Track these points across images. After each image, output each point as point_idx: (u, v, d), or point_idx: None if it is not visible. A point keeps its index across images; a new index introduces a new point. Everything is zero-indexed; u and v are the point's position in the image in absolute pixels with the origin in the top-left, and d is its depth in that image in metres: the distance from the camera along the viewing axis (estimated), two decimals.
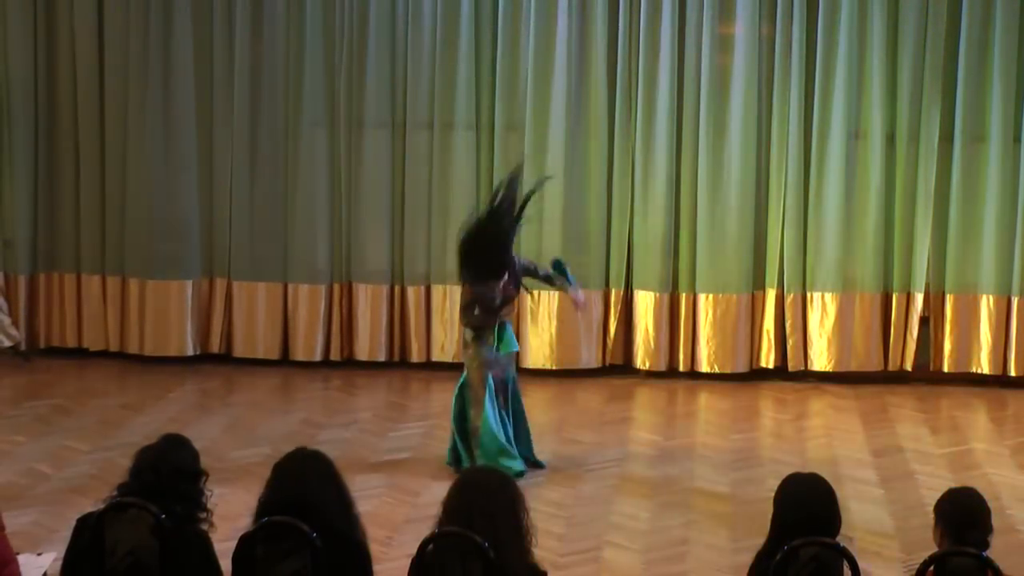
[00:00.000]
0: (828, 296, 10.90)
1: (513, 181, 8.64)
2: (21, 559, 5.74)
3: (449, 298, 11.07)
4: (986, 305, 10.81)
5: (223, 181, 11.17)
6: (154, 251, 11.17)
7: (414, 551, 5.02)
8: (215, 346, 11.28)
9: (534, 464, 8.81)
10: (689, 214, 10.97)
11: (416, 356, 11.17)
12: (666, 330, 11.01)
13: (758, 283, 11.02)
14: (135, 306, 11.23)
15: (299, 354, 11.19)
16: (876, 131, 10.76)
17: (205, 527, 5.37)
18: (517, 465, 8.49)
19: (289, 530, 5.04)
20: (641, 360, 11.05)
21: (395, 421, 9.95)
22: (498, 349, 8.61)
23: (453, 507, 4.96)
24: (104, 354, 11.33)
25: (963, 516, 5.13)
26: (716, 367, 10.98)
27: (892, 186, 10.86)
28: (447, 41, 10.90)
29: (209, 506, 5.39)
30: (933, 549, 5.11)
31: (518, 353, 9.40)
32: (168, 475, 5.24)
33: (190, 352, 11.23)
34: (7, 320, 11.19)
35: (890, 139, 10.82)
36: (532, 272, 8.92)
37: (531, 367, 10.86)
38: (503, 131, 10.99)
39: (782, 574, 4.96)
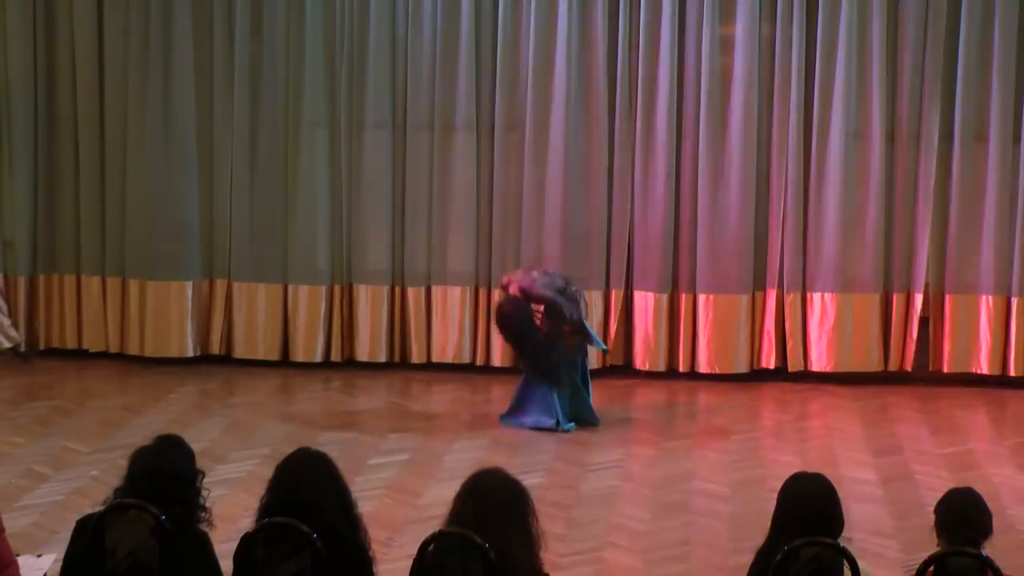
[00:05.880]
0: (828, 296, 10.90)
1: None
2: (21, 560, 5.73)
3: (449, 299, 11.07)
4: (985, 305, 10.82)
5: (223, 182, 11.17)
6: (154, 252, 11.17)
7: (415, 552, 5.02)
8: (215, 347, 11.29)
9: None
10: (689, 214, 10.97)
11: (416, 357, 11.17)
12: (666, 331, 11.02)
13: (758, 284, 11.02)
14: (135, 307, 11.23)
15: (299, 355, 11.19)
16: (876, 131, 10.76)
17: (205, 528, 5.36)
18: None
19: (290, 531, 5.04)
20: (641, 360, 11.05)
21: (395, 422, 9.95)
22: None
23: (461, 513, 4.95)
24: (104, 355, 11.34)
25: (955, 515, 5.14)
26: (716, 368, 10.98)
27: (892, 186, 10.86)
28: (447, 41, 10.91)
29: (208, 505, 5.38)
30: (933, 549, 5.11)
31: None
32: (164, 482, 5.22)
33: (190, 353, 11.23)
34: (7, 321, 11.19)
35: (890, 139, 10.83)
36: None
37: None
38: (503, 131, 11.00)
39: (782, 574, 4.96)
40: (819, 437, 9.87)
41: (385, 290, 11.17)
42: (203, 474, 5.41)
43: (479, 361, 11.09)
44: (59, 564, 5.51)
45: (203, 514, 5.36)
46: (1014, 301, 10.79)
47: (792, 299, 10.94)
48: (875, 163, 10.79)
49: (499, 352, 11.00)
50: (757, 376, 11.03)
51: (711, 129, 10.84)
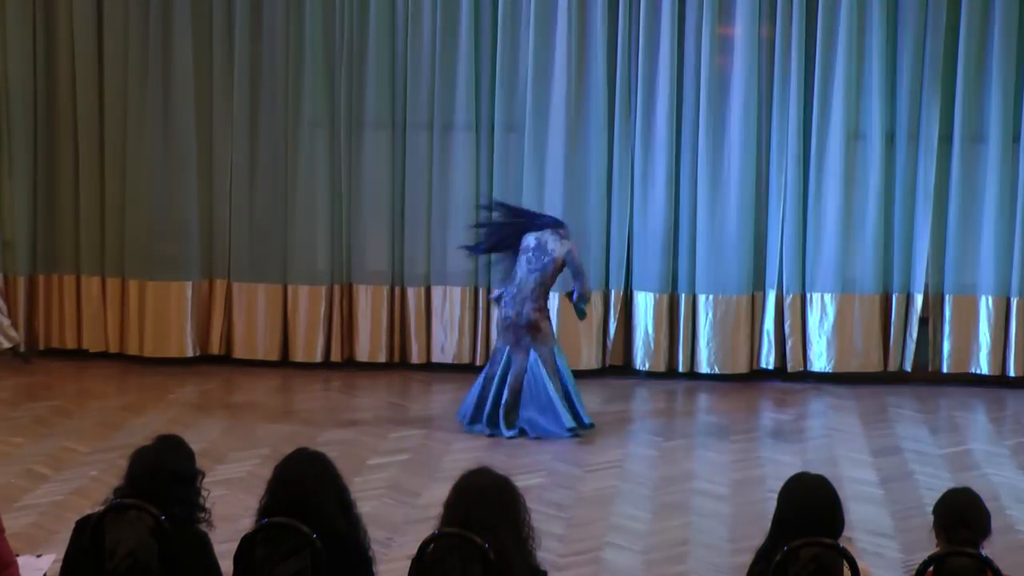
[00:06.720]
0: (827, 297, 10.91)
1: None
2: (21, 561, 5.73)
3: (449, 299, 11.08)
4: (985, 306, 10.82)
5: (223, 182, 11.17)
6: (154, 252, 11.17)
7: (414, 552, 5.02)
8: (215, 347, 11.28)
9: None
10: (689, 215, 10.97)
11: (416, 357, 11.18)
12: (666, 331, 11.02)
13: (757, 284, 11.02)
14: (135, 307, 11.23)
15: (299, 355, 11.20)
16: (875, 131, 10.77)
17: (205, 528, 5.37)
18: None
19: (290, 531, 5.04)
20: (641, 361, 11.05)
21: (395, 422, 9.95)
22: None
23: (452, 515, 4.95)
24: (104, 355, 11.33)
25: (954, 516, 5.13)
26: (716, 368, 10.98)
27: (891, 186, 10.87)
28: (447, 42, 10.91)
29: (207, 506, 5.39)
30: (933, 549, 5.11)
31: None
32: (164, 480, 5.23)
33: (190, 353, 11.23)
34: (6, 321, 11.19)
35: (889, 139, 10.83)
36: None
37: None
38: (503, 132, 11.00)
39: (782, 574, 4.96)
40: (819, 437, 9.87)
41: (385, 290, 11.17)
42: (203, 474, 5.41)
43: (479, 361, 11.08)
44: (59, 564, 5.51)
45: (203, 514, 5.36)
46: (1014, 301, 10.80)
47: (792, 299, 10.94)
48: (875, 164, 10.80)
49: None
50: (757, 376, 11.04)
51: (711, 129, 10.84)
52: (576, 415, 9.57)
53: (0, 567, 5.44)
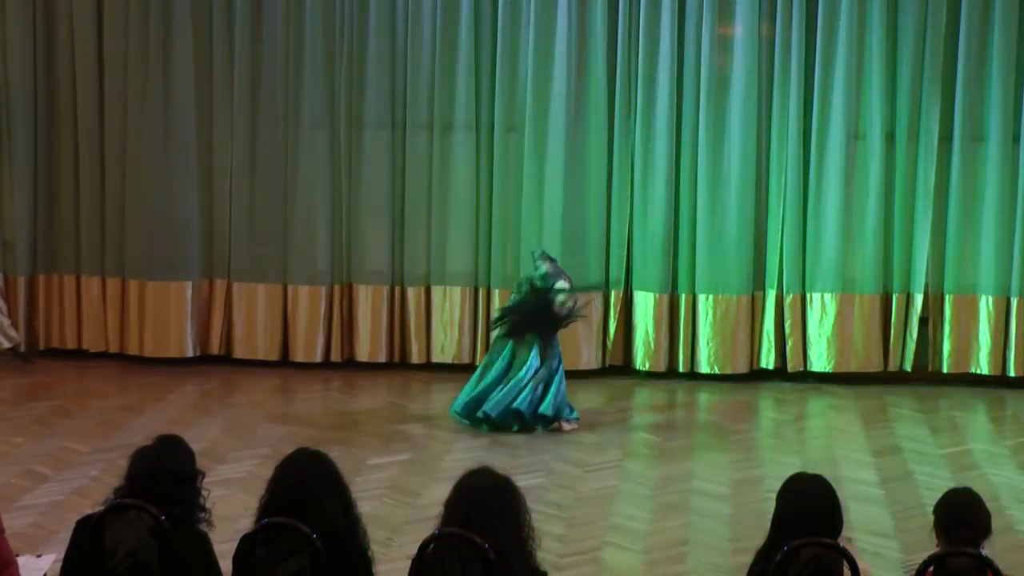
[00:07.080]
0: (828, 297, 10.91)
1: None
2: (21, 561, 5.73)
3: (449, 299, 11.08)
4: (985, 306, 10.82)
5: (223, 182, 11.18)
6: (154, 252, 11.17)
7: (414, 552, 5.02)
8: (215, 347, 11.29)
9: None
10: (689, 215, 10.97)
11: (416, 357, 11.18)
12: (666, 331, 11.02)
13: (758, 284, 11.02)
14: (135, 307, 11.23)
15: (299, 355, 11.20)
16: (875, 131, 10.77)
17: (204, 528, 5.37)
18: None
19: (290, 531, 5.04)
20: (641, 361, 11.05)
21: (395, 422, 9.95)
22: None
23: (453, 516, 4.95)
24: (104, 355, 11.34)
25: (954, 516, 5.13)
26: (716, 368, 10.99)
27: (891, 186, 10.87)
28: (447, 42, 10.91)
29: (208, 506, 5.39)
30: (933, 549, 5.11)
31: None
32: (165, 480, 5.22)
33: (190, 353, 11.23)
34: (7, 321, 11.19)
35: (889, 139, 10.83)
36: None
37: None
38: (503, 132, 11.00)
39: (782, 574, 4.96)
40: (819, 437, 9.88)
41: (385, 290, 11.18)
42: (203, 474, 5.41)
43: (479, 361, 11.07)
44: (59, 564, 5.51)
45: (203, 514, 5.36)
46: (1014, 301, 10.80)
47: (792, 299, 10.94)
48: (874, 163, 10.80)
49: None
50: (757, 376, 11.04)
51: (710, 129, 10.84)
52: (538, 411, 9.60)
53: (0, 567, 5.44)
